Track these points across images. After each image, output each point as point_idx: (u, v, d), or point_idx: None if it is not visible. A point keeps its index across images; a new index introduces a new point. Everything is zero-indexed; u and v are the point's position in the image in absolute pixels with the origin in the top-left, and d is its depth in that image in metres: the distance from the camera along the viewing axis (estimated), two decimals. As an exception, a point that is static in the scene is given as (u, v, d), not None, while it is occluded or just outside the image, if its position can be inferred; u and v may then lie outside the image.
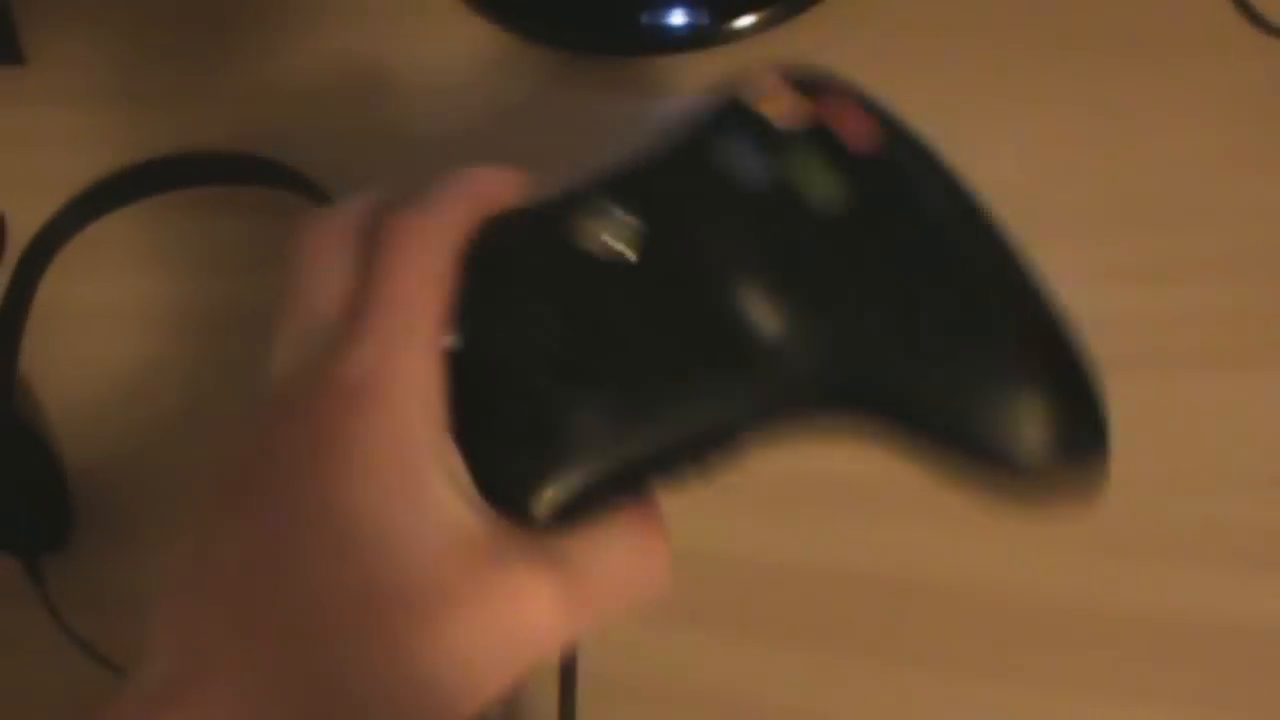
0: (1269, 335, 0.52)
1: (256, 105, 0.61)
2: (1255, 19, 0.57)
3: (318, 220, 0.35)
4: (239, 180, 0.60)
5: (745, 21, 0.60)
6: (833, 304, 0.33)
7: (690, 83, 0.59)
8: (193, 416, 0.54)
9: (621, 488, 0.34)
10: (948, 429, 0.33)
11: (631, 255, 0.34)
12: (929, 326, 0.33)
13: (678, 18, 0.60)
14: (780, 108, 0.35)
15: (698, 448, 0.34)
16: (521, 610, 0.31)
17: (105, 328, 0.57)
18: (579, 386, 0.33)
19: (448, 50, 0.61)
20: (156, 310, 0.57)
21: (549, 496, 0.33)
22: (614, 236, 0.34)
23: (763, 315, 0.33)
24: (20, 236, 0.59)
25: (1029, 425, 0.33)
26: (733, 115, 0.35)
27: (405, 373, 0.32)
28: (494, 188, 0.35)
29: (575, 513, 0.33)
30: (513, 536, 0.32)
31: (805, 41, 0.59)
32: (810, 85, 0.36)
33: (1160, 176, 0.55)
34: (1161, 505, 0.49)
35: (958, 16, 0.59)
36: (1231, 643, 0.47)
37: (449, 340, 0.34)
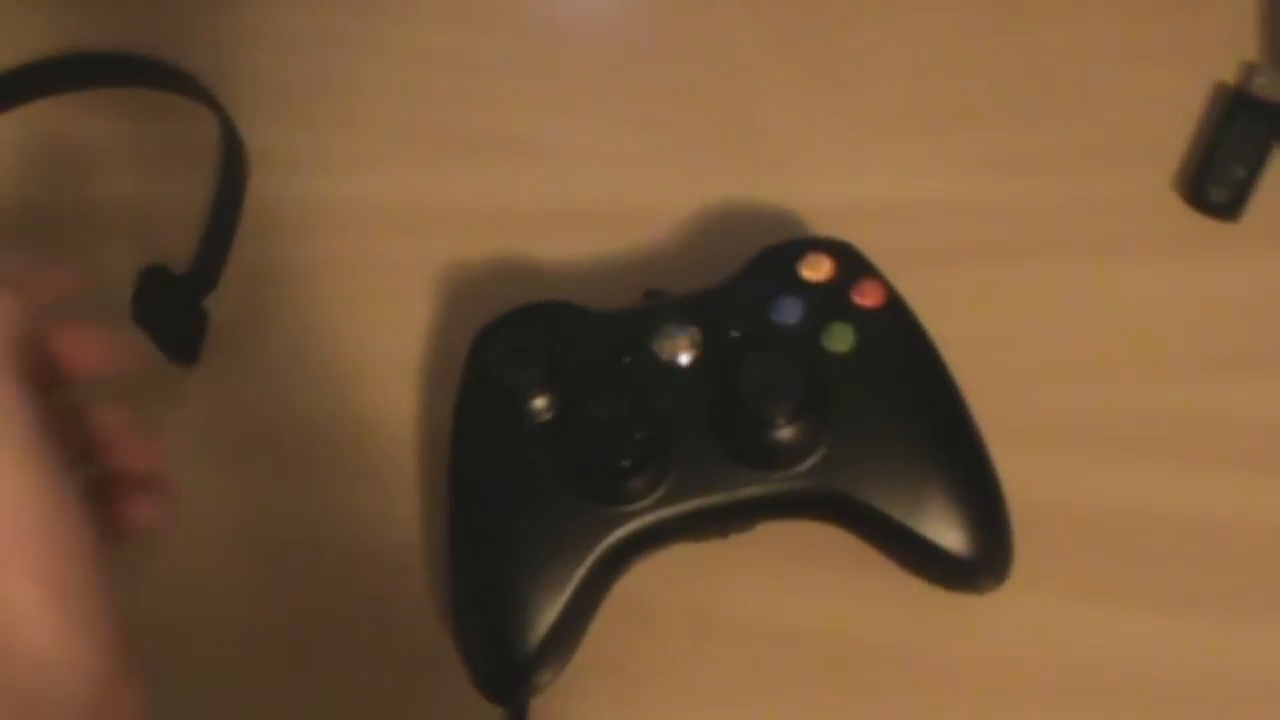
0: (1152, 224, 0.54)
1: (152, 6, 0.62)
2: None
3: None
4: (129, 82, 0.60)
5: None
6: (837, 426, 0.45)
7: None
8: (77, 317, 0.51)
9: (657, 542, 0.46)
10: (898, 533, 0.46)
11: (686, 361, 0.47)
12: (896, 454, 0.46)
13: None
14: (816, 271, 0.48)
15: (720, 523, 0.46)
16: None
17: None
18: (646, 456, 0.45)
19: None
20: (41, 212, 0.57)
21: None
22: (676, 346, 0.46)
23: (784, 428, 0.45)
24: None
25: (958, 533, 0.45)
26: (782, 271, 0.48)
27: None
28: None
29: (628, 551, 0.45)
30: None
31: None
32: (838, 252, 0.49)
33: (1046, 67, 0.58)
34: (1049, 393, 0.51)
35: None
36: (1106, 527, 0.48)
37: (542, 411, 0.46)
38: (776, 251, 0.49)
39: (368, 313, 0.54)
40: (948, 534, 0.45)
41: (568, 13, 0.62)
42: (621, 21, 0.61)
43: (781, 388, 0.44)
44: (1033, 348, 0.52)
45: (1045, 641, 0.47)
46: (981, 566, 0.46)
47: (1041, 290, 0.53)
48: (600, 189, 0.56)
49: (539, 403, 0.46)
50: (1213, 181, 0.53)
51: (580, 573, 0.45)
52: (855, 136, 0.56)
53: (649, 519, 0.45)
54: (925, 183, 0.55)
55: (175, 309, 0.53)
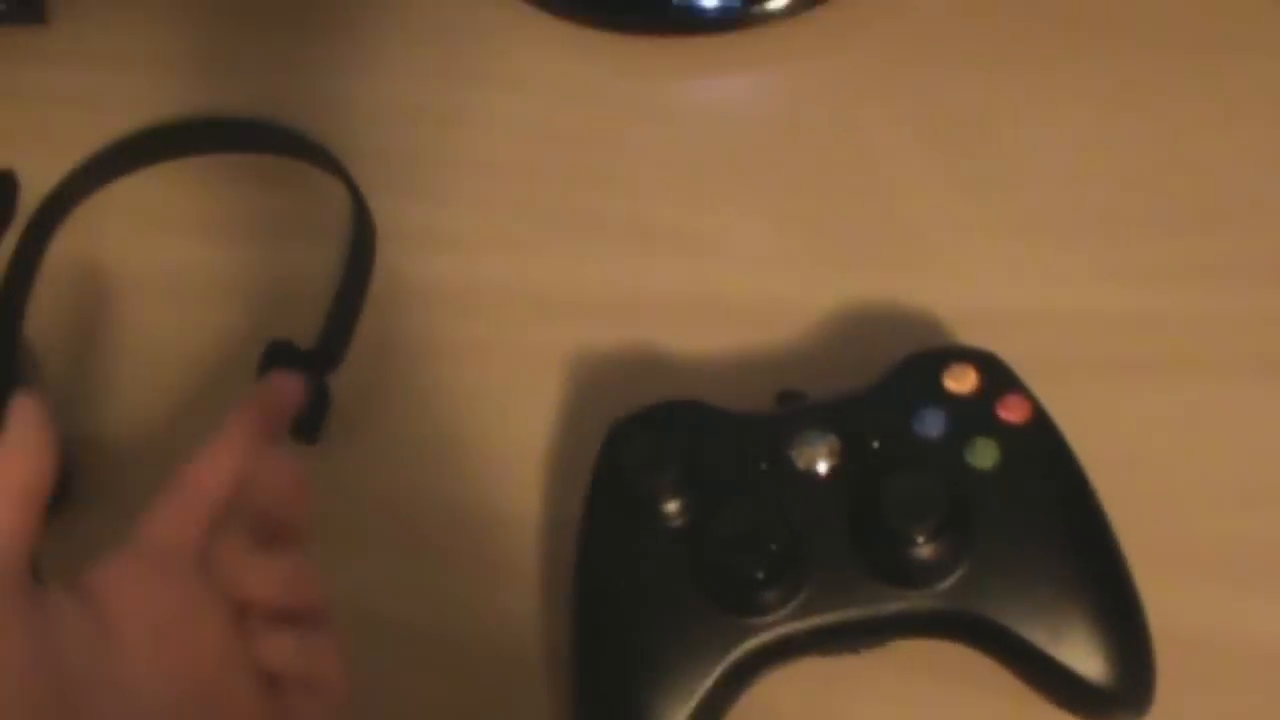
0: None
1: (280, 73, 0.62)
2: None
3: None
4: (257, 148, 0.60)
5: (777, 4, 0.59)
6: (976, 548, 0.44)
7: (723, 62, 0.60)
8: (198, 387, 0.54)
9: (788, 655, 0.45)
10: (1037, 658, 0.44)
11: (824, 470, 0.46)
12: (1038, 577, 0.44)
13: (710, 0, 0.60)
14: (961, 383, 0.46)
15: (854, 639, 0.45)
16: None
17: (113, 292, 0.56)
18: (781, 567, 0.43)
19: (474, 25, 0.62)
20: (165, 278, 0.57)
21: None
22: (815, 454, 0.45)
23: (925, 546, 0.43)
24: (33, 197, 0.58)
25: (1099, 662, 0.44)
26: (925, 381, 0.47)
27: None
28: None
29: (758, 663, 0.44)
30: None
31: (836, 25, 0.60)
32: (983, 363, 0.47)
33: (1193, 176, 0.56)
34: (1195, 519, 0.49)
35: (994, 2, 0.60)
36: (1251, 662, 0.46)
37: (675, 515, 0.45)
38: (919, 360, 0.48)
39: (495, 398, 0.53)
40: (1088, 662, 0.44)
41: (716, 100, 0.61)
42: (770, 113, 0.60)
43: (925, 505, 0.43)
44: (1180, 470, 0.50)
45: None
46: (1122, 698, 0.44)
47: (1192, 409, 0.51)
48: (739, 282, 0.55)
49: (672, 507, 0.45)
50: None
51: (708, 684, 0.44)
52: (1001, 241, 0.55)
53: (781, 632, 0.44)
54: (1072, 291, 0.54)
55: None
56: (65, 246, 0.58)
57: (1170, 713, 0.45)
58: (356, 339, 0.54)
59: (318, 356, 0.53)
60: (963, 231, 0.55)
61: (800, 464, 0.46)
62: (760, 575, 0.43)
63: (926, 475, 0.44)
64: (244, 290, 0.57)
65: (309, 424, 0.52)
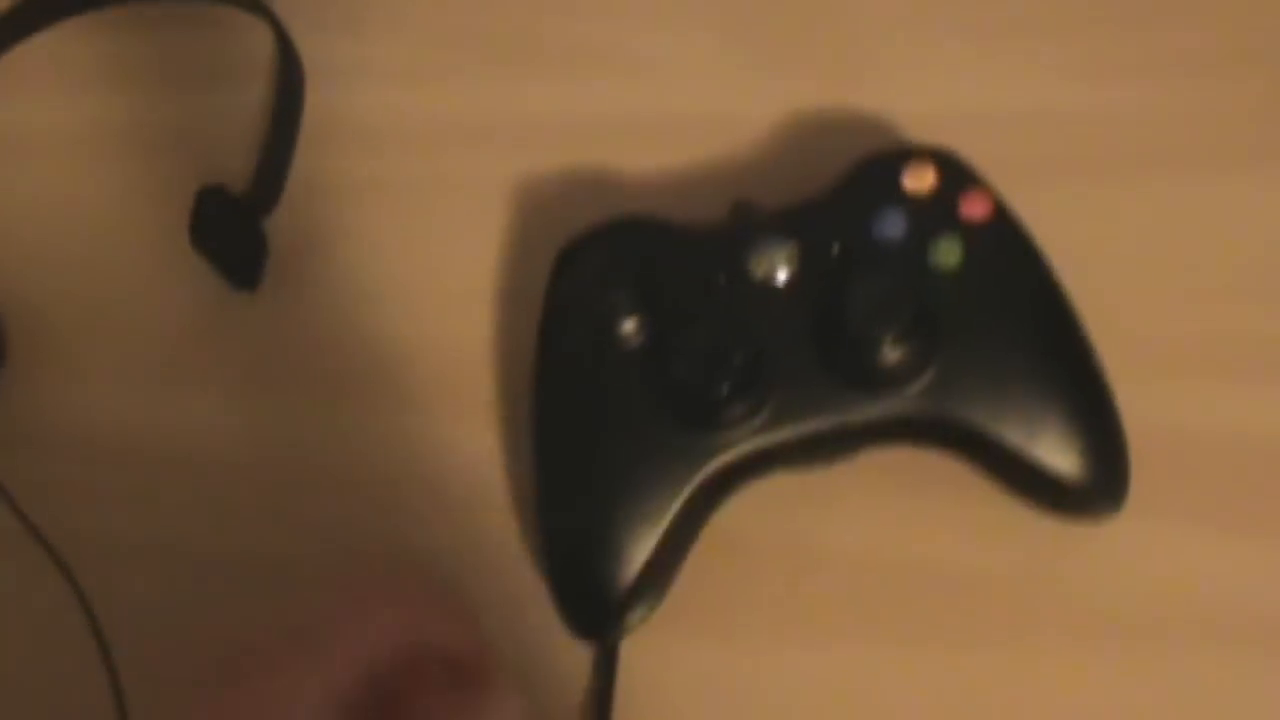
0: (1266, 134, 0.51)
1: None
2: None
3: None
4: None
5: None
6: (944, 350, 0.43)
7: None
8: (130, 243, 0.52)
9: (758, 470, 0.44)
10: (1010, 457, 0.43)
11: (784, 279, 0.44)
12: (1008, 375, 0.43)
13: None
14: (920, 181, 0.45)
15: (824, 450, 0.44)
16: None
17: (34, 152, 0.54)
18: (746, 379, 0.42)
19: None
20: (88, 133, 0.55)
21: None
22: (773, 263, 0.44)
23: (891, 354, 0.42)
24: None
25: (1073, 457, 0.43)
26: (883, 183, 0.45)
27: None
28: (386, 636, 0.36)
29: (728, 481, 0.43)
30: None
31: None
32: (942, 161, 0.45)
33: None
34: (1166, 314, 0.48)
35: None
36: (1225, 452, 0.46)
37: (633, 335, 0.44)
38: (875, 161, 0.46)
39: (438, 233, 0.51)
40: (1062, 457, 0.43)
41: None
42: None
43: (890, 307, 0.42)
44: (1148, 266, 0.48)
45: (1163, 570, 0.44)
46: (1097, 492, 0.43)
47: (1157, 205, 0.49)
48: (683, 97, 0.53)
49: (629, 327, 0.44)
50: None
51: (677, 505, 0.43)
52: (956, 41, 0.53)
53: (750, 446, 0.43)
54: (1030, 90, 0.52)
55: (235, 232, 0.50)
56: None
57: (1146, 506, 0.44)
58: (291, 182, 0.52)
59: (252, 201, 0.51)
60: (915, 31, 0.53)
61: (758, 274, 0.44)
62: (725, 389, 0.42)
63: (890, 277, 0.43)
64: (171, 141, 0.54)
65: (248, 271, 0.50)
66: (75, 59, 0.56)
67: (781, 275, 0.44)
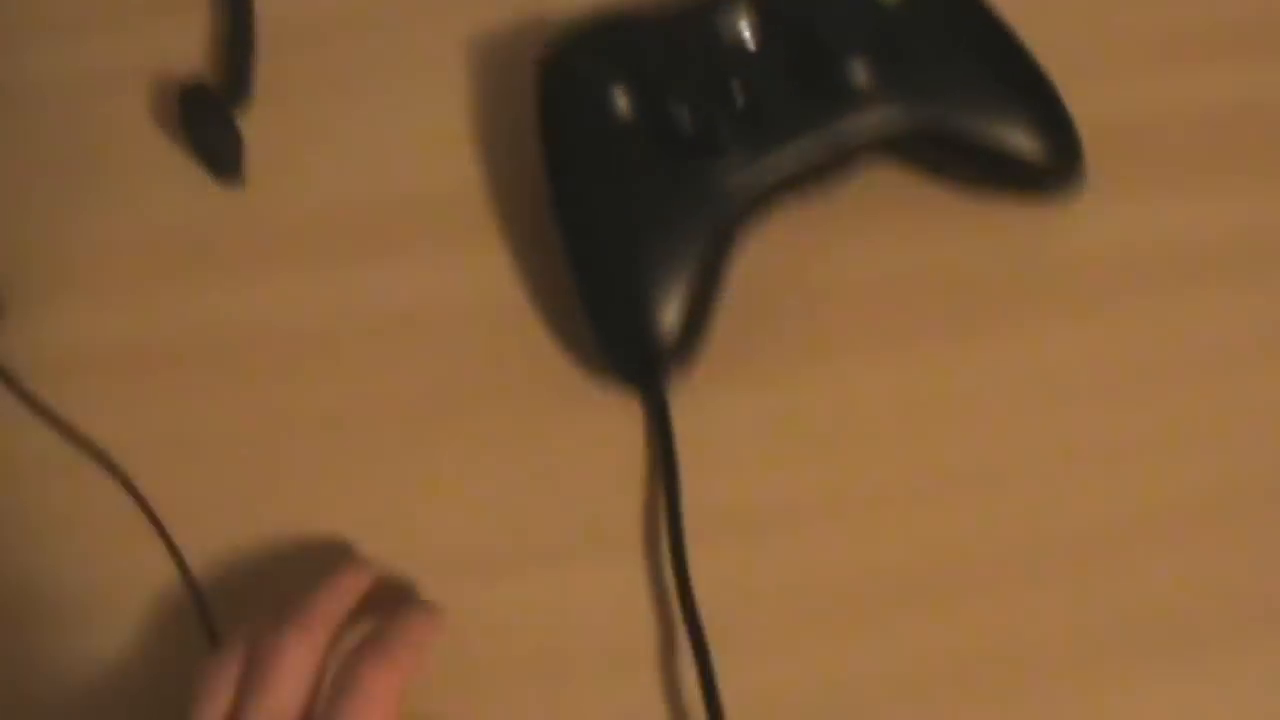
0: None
1: None
2: None
3: (208, 663, 0.40)
4: None
5: None
6: (907, 72, 0.48)
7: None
8: (106, 169, 0.52)
9: (766, 197, 0.47)
10: (980, 147, 0.48)
11: (751, 40, 0.48)
12: (970, 83, 0.48)
13: None
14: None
15: (817, 166, 0.48)
16: None
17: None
18: (746, 101, 0.47)
19: None
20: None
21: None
22: (736, 27, 0.48)
23: (860, 71, 0.47)
24: None
25: (1030, 137, 0.48)
26: None
27: None
28: (353, 583, 0.42)
29: (743, 208, 0.47)
30: None
31: None
32: None
33: None
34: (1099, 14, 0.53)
35: None
36: (1184, 127, 0.51)
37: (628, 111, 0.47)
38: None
39: (414, 78, 0.53)
40: (1021, 138, 0.48)
41: None
42: None
43: (854, 20, 0.47)
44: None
45: (1140, 237, 0.49)
46: (1056, 162, 0.49)
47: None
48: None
49: (622, 102, 0.47)
50: None
51: (701, 243, 0.46)
52: None
53: (754, 175, 0.47)
54: None
55: (219, 127, 0.50)
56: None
57: (1115, 187, 0.50)
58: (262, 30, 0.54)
59: (226, 94, 0.51)
60: None
61: (728, 39, 0.48)
62: (726, 113, 0.46)
63: (845, 3, 0.48)
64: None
65: (231, 162, 0.50)
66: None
67: (748, 34, 0.48)
